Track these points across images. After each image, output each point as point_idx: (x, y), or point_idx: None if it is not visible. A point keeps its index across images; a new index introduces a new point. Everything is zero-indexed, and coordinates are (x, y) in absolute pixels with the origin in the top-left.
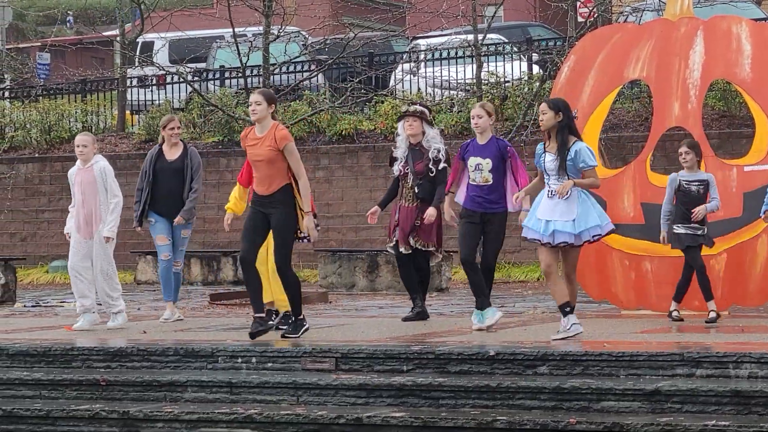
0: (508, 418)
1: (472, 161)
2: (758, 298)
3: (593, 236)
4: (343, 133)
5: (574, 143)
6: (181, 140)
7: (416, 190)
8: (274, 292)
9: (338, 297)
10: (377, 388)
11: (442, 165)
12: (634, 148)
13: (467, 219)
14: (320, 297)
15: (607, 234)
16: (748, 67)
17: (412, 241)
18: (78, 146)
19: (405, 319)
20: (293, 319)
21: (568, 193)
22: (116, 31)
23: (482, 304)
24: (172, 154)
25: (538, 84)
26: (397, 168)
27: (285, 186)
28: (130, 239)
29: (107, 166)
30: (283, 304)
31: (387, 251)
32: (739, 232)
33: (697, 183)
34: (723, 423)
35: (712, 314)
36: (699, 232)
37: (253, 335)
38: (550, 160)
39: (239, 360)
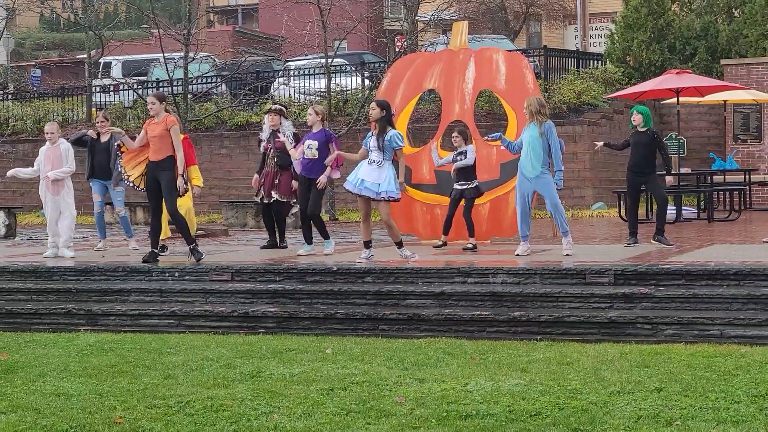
0: (345, 310)
1: (306, 143)
2: (509, 231)
3: (388, 197)
4: (239, 123)
5: (389, 131)
6: (111, 128)
7: (276, 160)
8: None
9: (235, 232)
10: (259, 292)
11: (294, 145)
12: (431, 134)
13: (302, 181)
14: (223, 232)
15: (395, 200)
16: (503, 81)
17: (275, 194)
18: (47, 132)
19: (262, 248)
20: (189, 248)
21: (382, 164)
22: (85, 55)
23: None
24: (103, 138)
25: (368, 92)
26: (262, 146)
27: (169, 156)
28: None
29: (69, 147)
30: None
31: (255, 201)
32: (498, 188)
33: (459, 154)
34: (485, 312)
35: (470, 245)
36: (465, 187)
37: (145, 261)
38: (372, 141)
39: (166, 274)
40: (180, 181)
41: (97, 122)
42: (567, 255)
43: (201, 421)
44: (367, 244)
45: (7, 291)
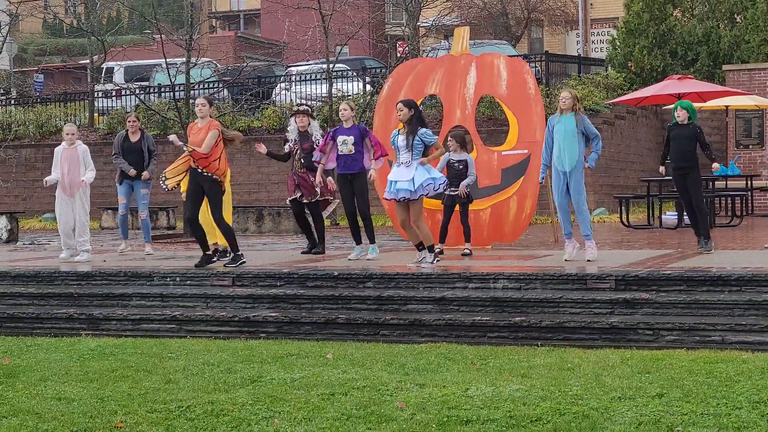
0: (346, 316)
1: (341, 138)
2: (510, 237)
3: (424, 193)
4: (241, 128)
5: (420, 129)
6: (140, 128)
7: (302, 161)
8: (217, 236)
9: (236, 238)
10: (260, 297)
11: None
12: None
13: (341, 180)
14: None
15: (436, 192)
16: (504, 87)
17: (318, 192)
18: (68, 133)
19: (304, 252)
20: (232, 254)
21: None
22: (88, 60)
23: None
24: (133, 138)
25: (369, 97)
26: (288, 146)
27: (213, 162)
28: (98, 198)
29: (86, 149)
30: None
31: (288, 203)
32: (499, 194)
33: (458, 162)
34: (486, 318)
35: (467, 251)
36: (456, 193)
37: (198, 266)
38: (401, 140)
39: (168, 279)
40: (176, 139)
41: (129, 121)
42: (588, 260)
43: (202, 426)
44: (420, 247)
45: (8, 295)
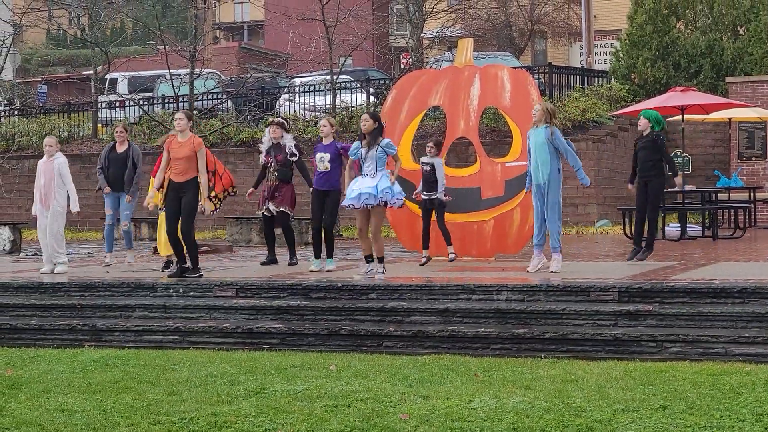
0: (349, 327)
1: (318, 156)
2: (514, 248)
3: (384, 201)
4: (244, 139)
5: (382, 139)
6: (128, 140)
7: (276, 174)
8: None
9: (239, 249)
10: (263, 308)
11: (297, 157)
12: None
13: (315, 195)
14: (227, 248)
15: (397, 206)
16: (508, 98)
17: (272, 206)
18: (46, 145)
19: (262, 264)
20: (191, 267)
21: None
22: (91, 71)
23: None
24: (120, 149)
25: (373, 108)
26: (262, 159)
27: (194, 177)
28: (99, 210)
29: (64, 162)
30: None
31: (257, 214)
32: (502, 205)
33: (427, 165)
34: (489, 329)
35: (452, 256)
36: (428, 198)
37: (171, 276)
38: (364, 151)
39: (171, 290)
40: (209, 207)
41: (116, 132)
42: (552, 272)
43: None
44: (368, 259)
45: (11, 307)
